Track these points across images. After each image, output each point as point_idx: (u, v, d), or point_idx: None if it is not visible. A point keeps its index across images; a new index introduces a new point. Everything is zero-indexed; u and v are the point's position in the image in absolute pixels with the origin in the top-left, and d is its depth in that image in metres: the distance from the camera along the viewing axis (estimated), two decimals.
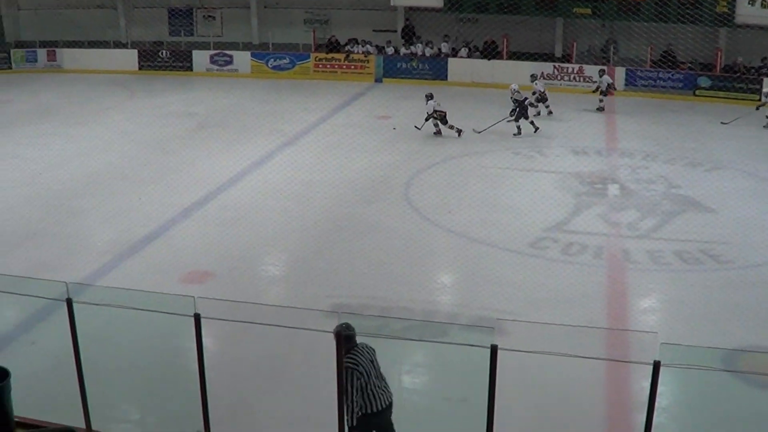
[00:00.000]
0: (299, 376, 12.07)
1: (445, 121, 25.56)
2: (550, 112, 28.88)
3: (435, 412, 11.43)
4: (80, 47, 38.76)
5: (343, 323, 8.65)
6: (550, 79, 32.97)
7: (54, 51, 39.11)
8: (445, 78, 35.06)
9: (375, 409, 8.83)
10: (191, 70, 37.94)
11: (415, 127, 25.78)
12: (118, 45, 39.46)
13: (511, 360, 8.03)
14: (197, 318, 8.55)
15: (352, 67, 36.50)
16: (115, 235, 17.57)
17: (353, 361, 8.65)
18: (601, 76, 29.96)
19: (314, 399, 10.97)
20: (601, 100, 29.71)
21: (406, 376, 12.48)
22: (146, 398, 11.76)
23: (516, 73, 32.16)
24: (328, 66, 36.81)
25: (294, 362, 12.36)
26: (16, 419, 9.21)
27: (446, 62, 35.46)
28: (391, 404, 9.06)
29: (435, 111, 25.41)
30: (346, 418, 8.62)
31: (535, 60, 33.83)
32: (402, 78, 35.46)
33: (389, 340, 9.81)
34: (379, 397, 8.89)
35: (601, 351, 9.14)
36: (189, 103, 30.42)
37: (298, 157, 22.65)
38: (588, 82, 32.70)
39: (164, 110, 30.10)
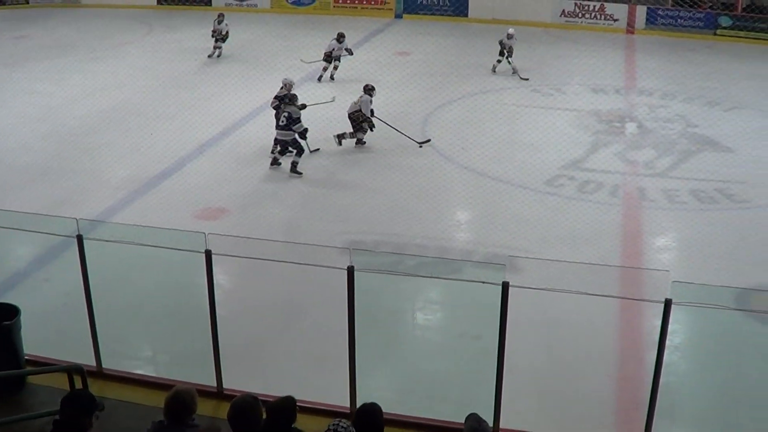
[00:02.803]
0: (311, 314, 12.15)
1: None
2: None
3: (449, 348, 11.55)
4: None
5: None
6: (571, 16, 32.49)
7: None
8: (466, 15, 34.37)
9: None
10: (210, 5, 37.48)
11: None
12: None
13: (525, 297, 8.09)
14: (208, 254, 8.60)
15: (372, 2, 36.04)
16: (130, 171, 17.64)
17: None
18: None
19: (326, 336, 11.03)
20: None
21: (420, 312, 12.63)
22: (157, 336, 11.89)
23: (539, 9, 31.82)
24: (348, 1, 36.39)
25: (307, 300, 12.44)
26: (27, 357, 9.32)
27: None
28: None
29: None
30: None
31: None
32: (422, 14, 34.87)
33: (404, 277, 9.86)
34: None
35: (614, 289, 9.18)
36: (207, 38, 30.16)
37: (317, 93, 22.50)
38: (609, 20, 32.20)
39: (182, 45, 29.91)
